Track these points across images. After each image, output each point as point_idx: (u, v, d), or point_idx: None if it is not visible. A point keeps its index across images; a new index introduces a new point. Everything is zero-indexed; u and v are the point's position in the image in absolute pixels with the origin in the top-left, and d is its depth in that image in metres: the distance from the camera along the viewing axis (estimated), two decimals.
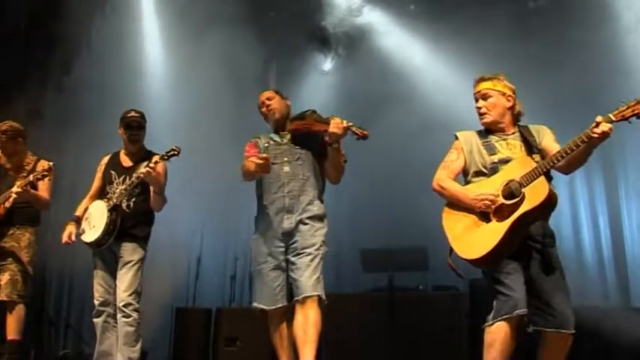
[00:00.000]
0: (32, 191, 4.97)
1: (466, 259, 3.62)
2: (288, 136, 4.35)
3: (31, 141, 5.51)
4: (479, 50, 7.61)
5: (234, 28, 7.86)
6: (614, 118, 3.32)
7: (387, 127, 7.91)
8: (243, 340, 6.54)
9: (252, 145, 4.38)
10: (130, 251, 4.78)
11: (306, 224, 4.09)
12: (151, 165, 4.56)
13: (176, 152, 4.64)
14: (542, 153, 3.69)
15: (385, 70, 8.63)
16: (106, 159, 5.12)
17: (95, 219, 4.79)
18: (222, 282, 8.71)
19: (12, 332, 5.02)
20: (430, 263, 7.06)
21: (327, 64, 9.37)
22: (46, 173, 4.90)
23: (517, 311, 3.40)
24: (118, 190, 4.81)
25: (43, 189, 5.15)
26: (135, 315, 4.64)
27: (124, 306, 4.66)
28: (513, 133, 3.80)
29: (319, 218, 4.15)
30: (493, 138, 3.80)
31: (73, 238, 4.89)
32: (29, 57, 7.78)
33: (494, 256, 3.50)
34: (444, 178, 3.83)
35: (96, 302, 4.82)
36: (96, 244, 4.76)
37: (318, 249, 4.03)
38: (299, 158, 4.24)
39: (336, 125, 3.97)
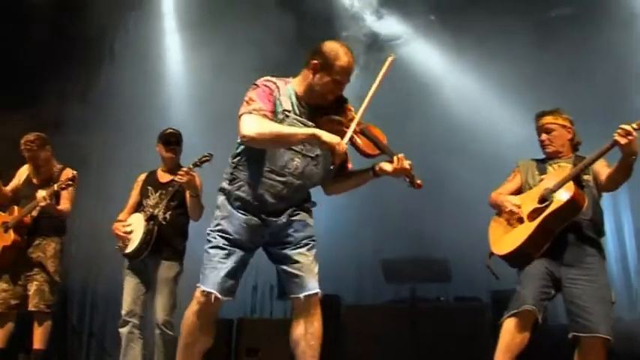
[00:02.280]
0: (52, 204, 5.03)
1: (499, 255, 3.93)
2: (309, 114, 3.34)
3: (53, 150, 5.57)
4: (500, 60, 7.60)
5: (256, 40, 7.91)
6: (635, 127, 3.49)
7: (409, 136, 7.89)
8: (264, 351, 6.54)
9: (266, 96, 3.26)
10: (166, 268, 4.83)
11: (298, 214, 3.38)
12: (184, 169, 4.65)
13: (208, 158, 4.71)
14: (595, 175, 3.93)
15: (406, 80, 8.61)
16: (143, 176, 5.22)
17: (133, 229, 4.89)
18: (243, 292, 8.73)
19: (38, 342, 5.06)
20: (452, 274, 7.02)
21: None
22: (70, 182, 4.97)
23: (524, 306, 3.63)
24: (154, 202, 4.92)
25: (66, 197, 5.20)
26: (172, 332, 4.68)
27: (162, 324, 4.72)
28: (569, 158, 4.07)
29: (309, 210, 3.47)
30: (548, 162, 4.11)
31: (121, 229, 4.93)
32: (53, 67, 7.87)
33: (521, 253, 3.81)
34: (493, 194, 4.18)
35: (123, 312, 4.86)
36: (134, 255, 4.84)
37: (314, 239, 3.42)
38: (317, 157, 3.33)
39: (402, 164, 3.28)
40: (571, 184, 3.75)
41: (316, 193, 3.55)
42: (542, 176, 4.00)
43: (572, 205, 3.72)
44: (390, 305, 7.22)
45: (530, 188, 4.02)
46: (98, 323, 8.56)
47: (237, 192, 3.31)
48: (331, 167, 3.22)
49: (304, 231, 3.38)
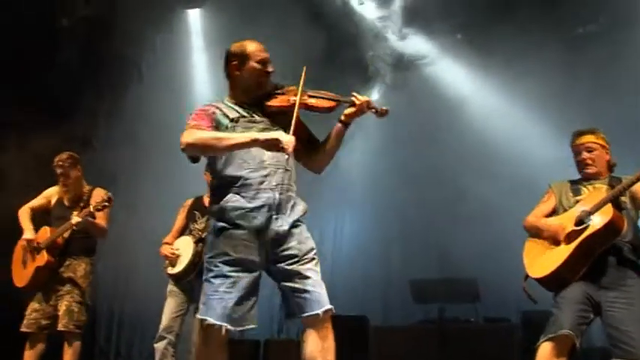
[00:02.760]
0: (91, 220, 5.07)
1: (534, 278, 3.85)
2: (257, 112, 3.37)
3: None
4: (528, 78, 7.57)
5: (282, 59, 7.91)
6: None
7: (436, 156, 7.89)
8: None
9: (203, 115, 3.31)
10: None
11: (298, 226, 3.26)
12: None
13: None
14: (633, 197, 3.87)
15: (433, 99, 8.61)
16: (189, 201, 5.35)
17: (181, 252, 5.03)
18: (270, 313, 8.69)
19: None
20: (481, 294, 6.93)
21: (375, 93, 9.39)
22: (106, 204, 5.01)
23: (561, 331, 3.57)
24: (202, 226, 5.05)
25: (102, 218, 5.23)
26: None
27: None
28: (604, 179, 3.99)
29: (303, 218, 3.34)
30: (582, 183, 4.03)
31: (170, 250, 5.05)
32: (83, 85, 7.97)
33: (557, 277, 3.74)
34: (528, 217, 4.09)
35: (161, 327, 4.95)
36: (181, 276, 4.97)
37: (316, 253, 3.27)
38: None
39: (360, 99, 3.29)
40: (609, 206, 3.66)
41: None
42: (577, 197, 3.93)
43: (611, 228, 3.64)
44: (419, 326, 7.14)
45: (565, 210, 3.93)
46: (125, 342, 8.58)
47: (230, 204, 3.19)
48: (286, 157, 3.14)
49: (307, 243, 3.24)
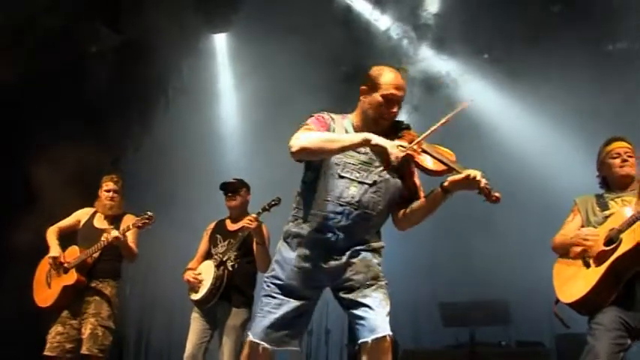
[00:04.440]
0: (126, 242, 5.05)
1: (565, 303, 3.69)
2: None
3: None
4: (556, 97, 7.46)
5: (310, 83, 7.94)
6: None
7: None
8: None
9: (322, 121, 3.20)
10: (235, 315, 4.90)
11: (357, 255, 3.12)
12: (252, 216, 4.79)
13: (277, 202, 4.84)
14: None
15: (460, 118, 8.52)
16: (211, 225, 5.32)
17: (203, 277, 4.98)
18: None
19: None
20: (513, 317, 6.78)
21: (403, 113, 9.34)
22: (146, 221, 4.98)
23: None
24: (223, 249, 5.02)
25: (131, 240, 5.19)
26: None
27: None
28: (631, 191, 3.82)
29: (375, 250, 3.20)
30: (608, 197, 3.87)
31: (192, 275, 5.02)
32: (110, 114, 8.06)
33: (589, 300, 3.55)
34: (556, 237, 3.94)
35: (185, 355, 4.90)
36: (203, 301, 4.92)
37: (381, 279, 3.12)
38: (376, 184, 3.12)
39: (477, 175, 3.00)
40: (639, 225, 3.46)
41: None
42: (605, 212, 3.75)
43: None
44: (449, 350, 7.02)
45: (593, 227, 3.77)
46: None
47: (294, 229, 3.16)
48: (383, 169, 3.02)
49: (367, 273, 3.09)
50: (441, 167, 3.04)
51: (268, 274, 3.22)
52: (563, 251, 3.84)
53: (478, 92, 8.80)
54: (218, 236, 5.16)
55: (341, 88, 8.17)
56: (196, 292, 4.96)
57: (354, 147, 3.02)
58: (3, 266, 6.66)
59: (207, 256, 5.15)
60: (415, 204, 3.19)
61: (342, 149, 3.01)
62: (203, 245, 5.26)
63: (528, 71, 7.91)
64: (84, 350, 4.94)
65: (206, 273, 4.96)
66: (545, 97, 7.71)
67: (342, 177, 3.10)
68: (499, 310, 6.85)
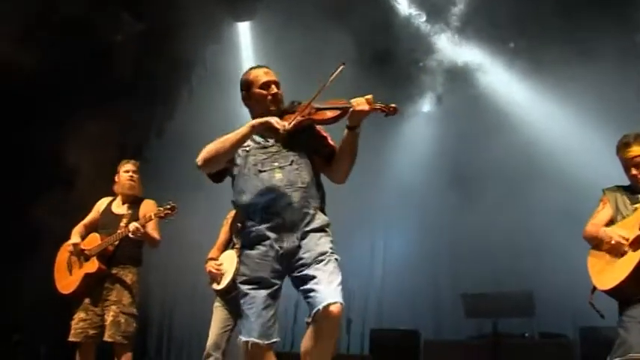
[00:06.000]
0: (147, 233, 5.05)
1: (602, 290, 3.71)
2: (271, 136, 3.40)
3: None
4: (582, 86, 7.35)
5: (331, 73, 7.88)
6: None
7: (489, 166, 7.73)
8: None
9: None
10: None
11: (306, 236, 3.28)
12: None
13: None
14: None
15: (486, 108, 8.46)
16: (232, 213, 5.24)
17: (225, 267, 4.96)
18: (283, 326, 8.57)
19: None
20: (537, 309, 6.71)
21: (427, 103, 9.28)
22: (169, 212, 4.98)
23: (630, 355, 3.44)
24: None
25: (153, 228, 5.17)
26: None
27: None
28: None
29: (322, 229, 3.34)
30: (637, 190, 3.89)
31: (214, 266, 5.02)
32: (133, 103, 8.09)
33: (627, 287, 3.58)
34: (587, 227, 3.95)
35: (208, 344, 4.88)
36: (225, 291, 4.89)
37: (330, 254, 3.25)
38: (293, 162, 3.36)
39: (361, 103, 3.23)
40: None
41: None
42: (636, 205, 3.78)
43: None
44: (471, 341, 6.97)
45: (624, 217, 3.78)
46: (174, 354, 8.61)
47: (247, 230, 3.38)
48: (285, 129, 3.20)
49: (316, 249, 3.24)
50: (337, 112, 3.29)
51: (237, 280, 3.38)
52: (595, 242, 3.85)
53: (504, 80, 8.74)
54: (239, 225, 5.11)
55: (365, 74, 8.13)
56: (218, 282, 4.95)
57: (244, 136, 3.30)
58: (33, 249, 6.72)
59: (228, 244, 5.12)
60: (336, 155, 3.44)
61: (237, 142, 3.31)
62: (223, 234, 5.22)
63: (554, 59, 7.82)
64: (107, 337, 4.96)
65: (228, 263, 4.94)
66: (572, 85, 7.60)
67: (263, 171, 3.35)
68: (522, 302, 6.77)
